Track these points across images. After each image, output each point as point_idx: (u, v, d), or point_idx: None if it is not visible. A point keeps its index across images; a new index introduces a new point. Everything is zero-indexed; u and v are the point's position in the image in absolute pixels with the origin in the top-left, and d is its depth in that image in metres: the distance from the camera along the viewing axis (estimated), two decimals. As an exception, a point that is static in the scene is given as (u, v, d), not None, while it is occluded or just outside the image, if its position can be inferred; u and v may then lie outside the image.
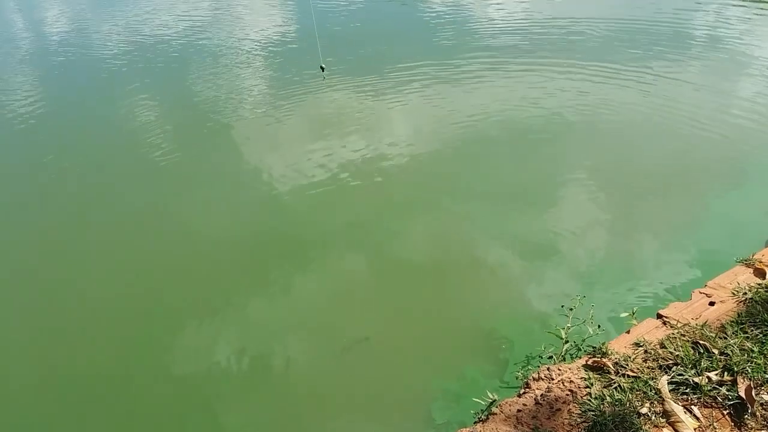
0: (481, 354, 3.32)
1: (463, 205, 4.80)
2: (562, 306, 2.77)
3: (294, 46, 9.12)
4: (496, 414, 2.23)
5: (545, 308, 3.36)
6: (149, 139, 6.35)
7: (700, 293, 2.62)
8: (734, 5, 9.82)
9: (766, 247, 2.95)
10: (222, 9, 11.73)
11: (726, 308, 2.47)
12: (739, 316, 2.39)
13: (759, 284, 2.54)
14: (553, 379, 2.30)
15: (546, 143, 5.60)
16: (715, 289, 2.62)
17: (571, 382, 2.26)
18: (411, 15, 10.77)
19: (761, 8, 9.68)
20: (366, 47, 8.88)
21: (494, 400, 2.31)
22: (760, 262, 2.72)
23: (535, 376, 2.34)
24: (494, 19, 9.81)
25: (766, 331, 2.29)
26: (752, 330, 2.31)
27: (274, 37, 9.55)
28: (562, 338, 2.53)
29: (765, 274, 2.61)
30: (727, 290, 2.58)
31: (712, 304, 2.53)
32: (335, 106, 6.92)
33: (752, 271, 2.66)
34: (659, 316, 2.52)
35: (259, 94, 7.35)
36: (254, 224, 4.85)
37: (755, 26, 8.78)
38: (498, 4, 10.67)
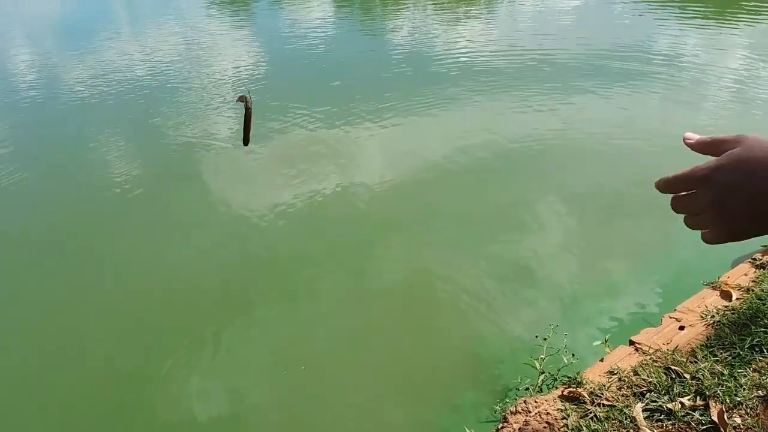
0: (466, 386, 3.31)
1: (441, 231, 4.85)
2: (536, 336, 2.78)
3: (263, 83, 9.20)
4: (475, 451, 2.22)
5: (523, 337, 3.37)
6: (115, 176, 6.29)
7: (670, 318, 2.66)
8: (691, 26, 10.21)
9: (731, 268, 3.01)
10: (191, 48, 11.79)
11: (695, 332, 2.51)
12: (708, 339, 2.43)
13: (726, 307, 2.59)
14: (530, 412, 2.30)
15: (519, 169, 5.70)
16: (684, 313, 2.67)
17: (548, 414, 2.26)
18: (374, 48, 10.98)
19: (720, 27, 10.06)
20: (332, 81, 9.00)
21: (472, 437, 2.30)
22: (726, 284, 2.78)
23: (513, 409, 2.33)
24: (459, 49, 10.03)
25: (734, 353, 2.33)
26: (721, 353, 2.34)
27: (244, 74, 9.62)
28: (536, 369, 2.54)
29: (731, 296, 2.66)
30: (695, 314, 2.62)
31: (682, 328, 2.56)
32: (307, 141, 6.97)
33: (719, 294, 2.71)
34: (631, 343, 2.55)
35: (230, 130, 7.37)
36: (232, 258, 4.81)
37: (713, 41, 9.13)
38: (460, 35, 10.92)
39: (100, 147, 7.29)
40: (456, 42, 10.61)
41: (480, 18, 12.47)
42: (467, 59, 9.37)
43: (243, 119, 1.24)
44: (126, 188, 6.07)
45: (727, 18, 10.90)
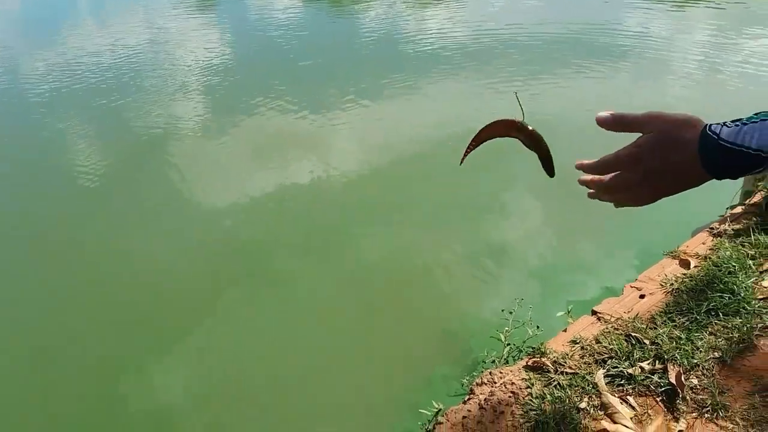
0: (439, 361, 3.36)
1: (415, 214, 4.88)
2: (502, 310, 2.83)
3: (231, 69, 9.08)
4: (442, 423, 2.25)
5: (492, 312, 3.42)
6: (81, 167, 6.20)
7: (631, 287, 2.72)
8: (649, 8, 10.33)
9: (692, 237, 3.09)
10: (157, 37, 11.58)
11: (655, 300, 2.58)
12: (667, 306, 2.49)
13: (684, 274, 2.66)
14: (495, 383, 2.34)
15: (492, 152, 5.73)
16: (645, 282, 2.73)
17: (512, 383, 2.31)
18: (345, 31, 10.90)
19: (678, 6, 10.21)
20: (302, 63, 8.93)
21: (439, 410, 2.33)
22: (685, 252, 2.85)
23: (479, 381, 2.37)
24: (431, 31, 10.01)
25: (692, 318, 2.39)
26: (679, 318, 2.41)
27: (214, 65, 9.49)
28: (500, 341, 2.59)
29: (689, 264, 2.73)
30: (656, 282, 2.69)
31: (642, 296, 2.63)
32: (278, 126, 6.93)
33: (678, 262, 2.78)
34: (594, 313, 2.61)
35: (200, 121, 7.29)
36: (204, 249, 4.79)
37: (678, 25, 9.25)
38: (431, 17, 10.91)
39: (65, 137, 7.16)
40: (427, 23, 10.60)
41: (450, 3, 12.44)
42: (439, 41, 9.38)
43: (535, 148, 0.90)
44: (93, 178, 5.98)
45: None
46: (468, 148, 0.99)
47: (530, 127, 0.92)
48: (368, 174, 5.70)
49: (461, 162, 1.00)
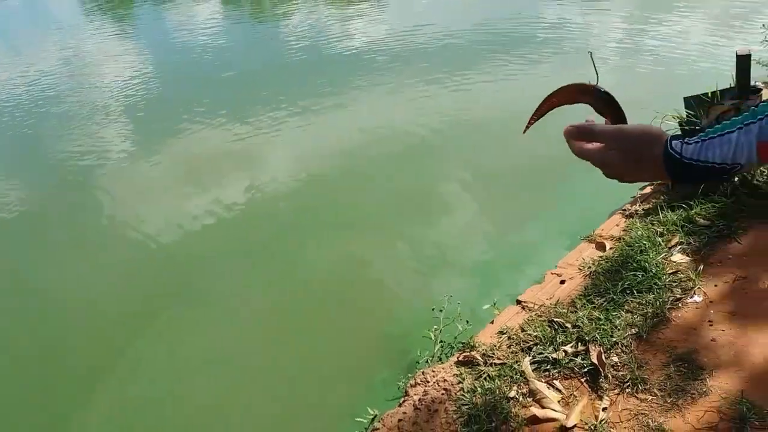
0: (378, 366, 3.36)
1: (353, 220, 4.89)
2: (433, 309, 2.87)
3: (157, 93, 8.81)
4: (378, 429, 2.26)
5: (426, 311, 3.46)
6: (4, 196, 5.89)
7: (552, 274, 2.81)
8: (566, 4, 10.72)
9: (608, 219, 3.22)
10: (73, 58, 11.12)
11: (575, 284, 2.67)
12: (585, 289, 2.59)
13: (600, 257, 2.77)
14: (428, 382, 2.37)
15: (424, 153, 5.78)
16: (564, 268, 2.83)
17: (445, 380, 2.34)
18: (269, 38, 10.80)
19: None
20: (227, 80, 8.77)
21: (375, 416, 2.34)
22: (600, 236, 2.97)
23: (413, 382, 2.39)
24: (358, 35, 10.05)
25: (609, 298, 2.49)
26: (598, 300, 2.50)
27: (135, 84, 9.19)
28: (432, 340, 2.62)
29: (605, 246, 2.85)
30: (574, 267, 2.79)
31: (563, 282, 2.72)
32: (206, 144, 6.77)
33: (594, 246, 2.89)
34: (518, 302, 2.68)
35: (124, 142, 7.04)
36: (137, 277, 4.61)
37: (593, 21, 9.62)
38: (355, 22, 10.94)
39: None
40: (352, 26, 10.62)
41: (373, 4, 12.52)
42: (365, 45, 9.41)
43: (610, 112, 0.90)
44: (12, 209, 5.69)
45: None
46: (534, 116, 0.95)
47: (604, 89, 0.90)
48: (301, 183, 5.65)
49: (525, 131, 0.96)
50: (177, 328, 4.02)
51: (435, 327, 2.64)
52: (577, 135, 0.87)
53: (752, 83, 4.34)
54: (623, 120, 0.89)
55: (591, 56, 0.99)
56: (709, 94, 2.93)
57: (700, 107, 2.89)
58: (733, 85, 2.95)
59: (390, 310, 3.77)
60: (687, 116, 3.09)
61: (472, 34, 9.24)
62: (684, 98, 3.11)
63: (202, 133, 6.96)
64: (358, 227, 4.85)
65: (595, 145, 0.86)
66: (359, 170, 5.76)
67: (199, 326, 3.98)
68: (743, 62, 2.85)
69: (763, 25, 5.77)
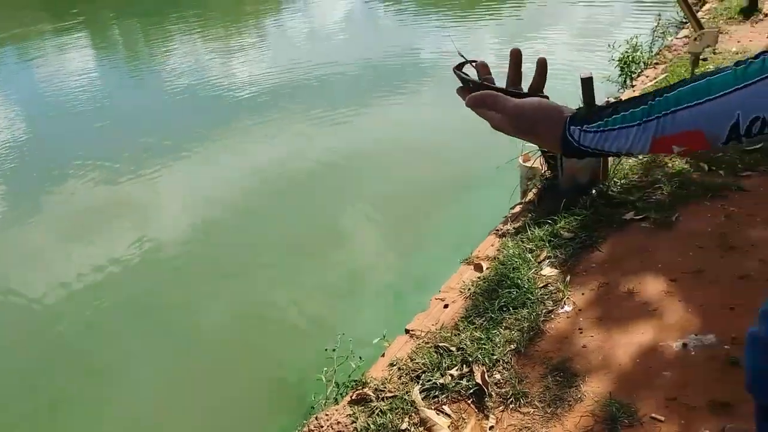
0: (276, 414, 3.28)
1: (250, 265, 4.77)
2: (326, 349, 2.85)
3: (27, 150, 8.21)
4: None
5: (322, 352, 3.43)
6: None
7: (437, 299, 2.89)
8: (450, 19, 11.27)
9: (484, 240, 3.36)
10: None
11: (457, 307, 2.76)
12: (467, 311, 2.68)
13: (478, 278, 2.89)
14: (322, 427, 2.33)
15: (308, 191, 5.79)
16: (447, 292, 2.92)
17: (338, 423, 2.32)
18: (147, 82, 10.46)
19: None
20: (102, 130, 8.37)
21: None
22: (477, 257, 3.09)
23: (305, 429, 2.35)
24: (240, 75, 9.95)
25: (488, 317, 2.60)
26: (478, 320, 2.60)
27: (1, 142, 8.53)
28: (324, 382, 2.60)
29: (482, 267, 2.97)
30: (456, 290, 2.88)
31: (446, 306, 2.80)
32: (90, 200, 6.39)
33: (473, 268, 3.01)
34: (407, 331, 2.72)
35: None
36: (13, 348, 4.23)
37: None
38: (237, 61, 10.85)
39: None
40: (233, 66, 10.51)
41: (254, 42, 12.50)
42: (248, 83, 9.33)
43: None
44: None
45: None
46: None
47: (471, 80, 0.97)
48: (192, 229, 5.45)
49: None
50: (68, 405, 3.72)
51: (326, 369, 2.62)
52: (480, 105, 0.91)
53: (606, 99, 4.76)
54: (519, 82, 0.93)
55: (459, 53, 1.02)
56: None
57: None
58: (581, 105, 3.22)
59: (287, 354, 3.70)
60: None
61: (356, 68, 9.45)
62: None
63: (82, 187, 6.57)
64: (252, 271, 4.76)
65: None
66: (250, 211, 5.66)
67: (91, 398, 3.71)
68: (586, 84, 3.13)
69: (609, 45, 6.39)
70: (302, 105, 8.06)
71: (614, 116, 0.83)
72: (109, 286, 4.84)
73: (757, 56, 0.78)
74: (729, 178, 3.16)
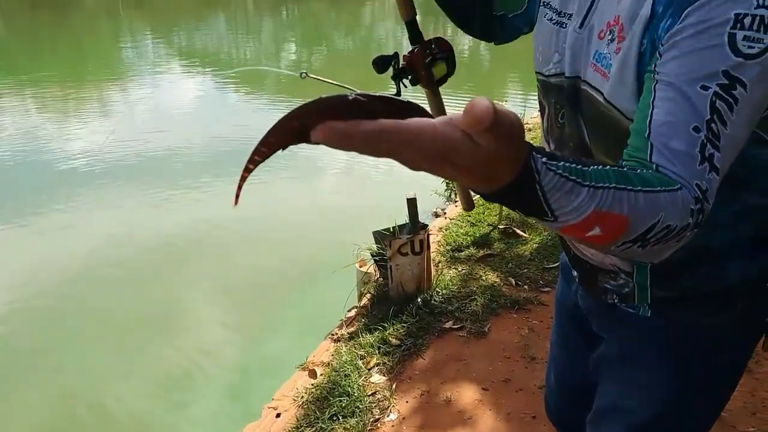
0: None
1: (76, 358, 4.34)
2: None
3: None
4: None
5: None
6: None
7: (269, 408, 2.91)
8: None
9: (320, 344, 3.47)
10: None
11: (289, 416, 2.80)
12: (298, 420, 2.74)
13: (312, 385, 2.97)
14: None
15: (143, 276, 5.50)
16: (280, 400, 2.95)
17: None
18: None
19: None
20: None
21: None
22: (312, 363, 3.19)
23: None
24: (81, 147, 9.29)
25: (318, 427, 2.67)
26: (308, 430, 2.66)
27: None
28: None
29: (316, 373, 3.07)
30: (289, 398, 2.93)
31: (278, 416, 2.83)
32: None
33: (307, 374, 3.09)
34: (236, 445, 2.69)
35: None
36: None
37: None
38: (76, 135, 10.16)
39: None
40: (72, 142, 9.82)
41: (94, 116, 11.83)
42: (89, 157, 8.74)
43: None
44: None
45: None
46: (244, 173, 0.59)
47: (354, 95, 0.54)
48: (14, 321, 4.90)
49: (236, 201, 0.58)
50: None
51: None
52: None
53: (434, 211, 5.25)
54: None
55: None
56: (391, 229, 3.49)
57: (384, 240, 3.42)
58: (408, 221, 3.58)
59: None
60: (378, 248, 3.61)
61: (200, 145, 9.30)
62: (373, 232, 3.64)
63: None
64: (81, 368, 4.35)
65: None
66: (80, 299, 5.24)
67: None
68: (411, 204, 3.51)
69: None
70: (142, 182, 7.75)
71: (574, 165, 0.63)
72: None
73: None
74: (532, 292, 3.65)
